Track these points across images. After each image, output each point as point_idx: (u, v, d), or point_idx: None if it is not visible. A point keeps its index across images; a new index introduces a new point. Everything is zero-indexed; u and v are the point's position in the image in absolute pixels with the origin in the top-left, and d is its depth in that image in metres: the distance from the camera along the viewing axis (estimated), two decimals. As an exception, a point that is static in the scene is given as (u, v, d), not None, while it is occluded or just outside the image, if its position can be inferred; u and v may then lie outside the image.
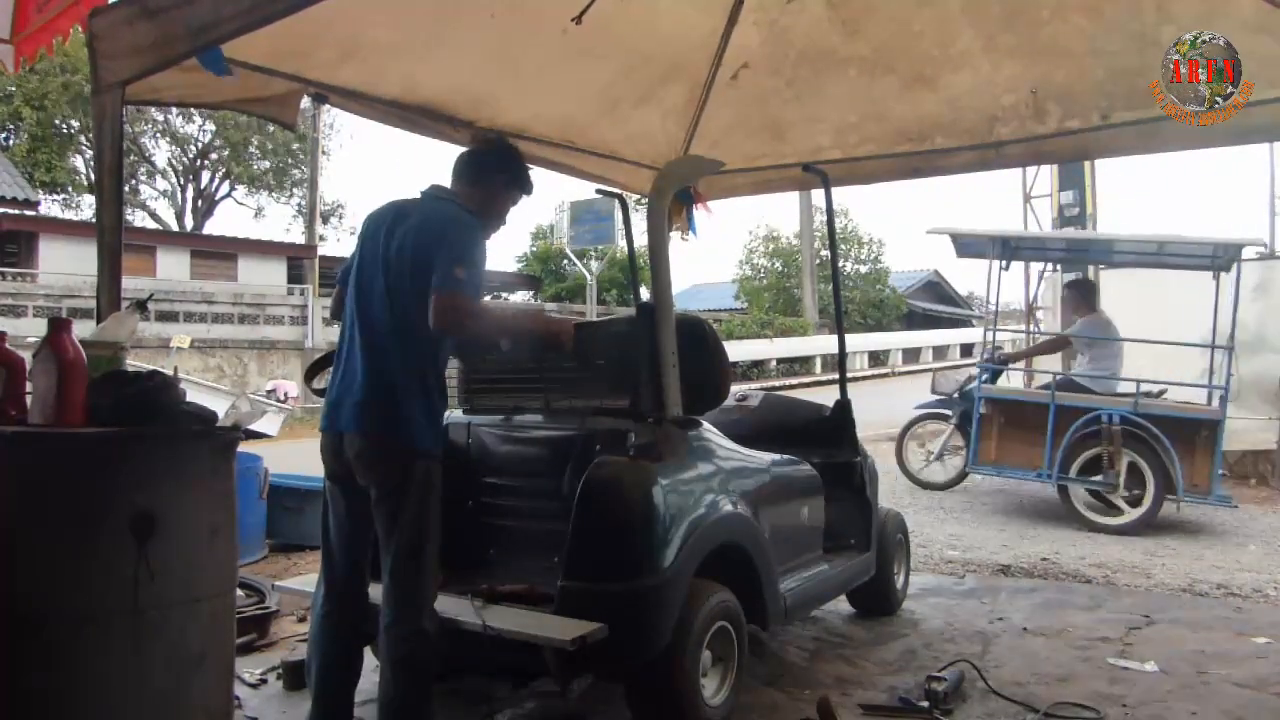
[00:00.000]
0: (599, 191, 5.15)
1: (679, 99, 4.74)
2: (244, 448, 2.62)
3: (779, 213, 44.21)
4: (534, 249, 31.59)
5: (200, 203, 30.12)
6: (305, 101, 3.66)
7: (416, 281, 2.52)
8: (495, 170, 2.87)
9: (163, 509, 2.15)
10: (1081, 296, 8.08)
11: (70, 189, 26.19)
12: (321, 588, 2.75)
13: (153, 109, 22.59)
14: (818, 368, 24.70)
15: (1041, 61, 3.99)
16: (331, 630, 2.70)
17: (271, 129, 25.72)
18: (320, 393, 3.46)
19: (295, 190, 30.02)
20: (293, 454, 8.25)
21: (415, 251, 2.56)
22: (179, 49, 2.73)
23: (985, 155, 4.38)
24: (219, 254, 22.87)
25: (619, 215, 6.64)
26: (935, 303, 36.99)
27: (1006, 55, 4.02)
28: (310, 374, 3.39)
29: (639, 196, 5.20)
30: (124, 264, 2.97)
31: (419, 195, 2.80)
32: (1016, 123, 4.20)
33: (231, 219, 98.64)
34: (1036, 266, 11.14)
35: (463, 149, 2.98)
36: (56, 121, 24.99)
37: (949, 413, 8.23)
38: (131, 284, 14.12)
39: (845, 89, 4.46)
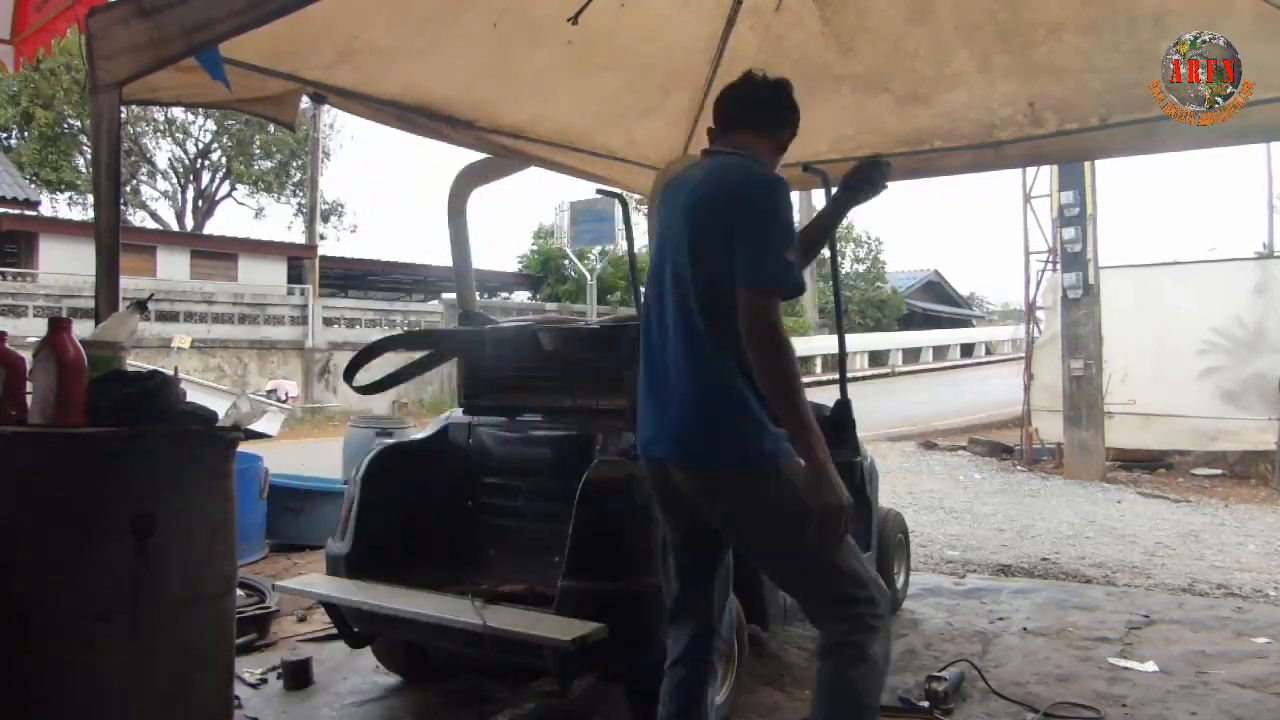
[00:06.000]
0: (599, 191, 5.15)
1: (680, 104, 4.75)
2: (244, 448, 2.62)
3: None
4: (535, 249, 31.64)
5: (200, 203, 30.10)
6: (305, 101, 3.66)
7: (707, 266, 2.08)
8: (790, 110, 2.32)
9: (163, 509, 2.14)
10: None
11: (78, 188, 26.17)
12: (675, 641, 2.30)
13: (154, 108, 22.58)
14: (818, 368, 24.70)
15: (1038, 80, 3.99)
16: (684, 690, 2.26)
17: (273, 129, 25.71)
18: (363, 390, 3.47)
19: (298, 190, 29.99)
20: (293, 454, 8.26)
21: (705, 224, 2.10)
22: (174, 48, 2.73)
23: (984, 155, 4.38)
24: (219, 254, 22.81)
25: (619, 215, 6.64)
26: (935, 303, 37.03)
27: (1002, 75, 4.03)
28: (350, 371, 3.40)
29: (639, 196, 5.20)
30: (124, 264, 2.97)
31: (707, 151, 2.30)
32: (1015, 128, 4.21)
33: (232, 219, 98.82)
34: (1036, 266, 11.17)
35: (744, 87, 2.32)
36: (67, 119, 24.92)
37: None
38: (132, 284, 14.15)
39: (840, 105, 4.48)
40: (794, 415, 2.02)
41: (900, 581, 4.42)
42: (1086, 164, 9.58)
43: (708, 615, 2.30)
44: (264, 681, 3.40)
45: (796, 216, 2.29)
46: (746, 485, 2.09)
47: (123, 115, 2.99)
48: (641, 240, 6.88)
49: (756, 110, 2.30)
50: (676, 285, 2.15)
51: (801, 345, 25.45)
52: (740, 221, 2.05)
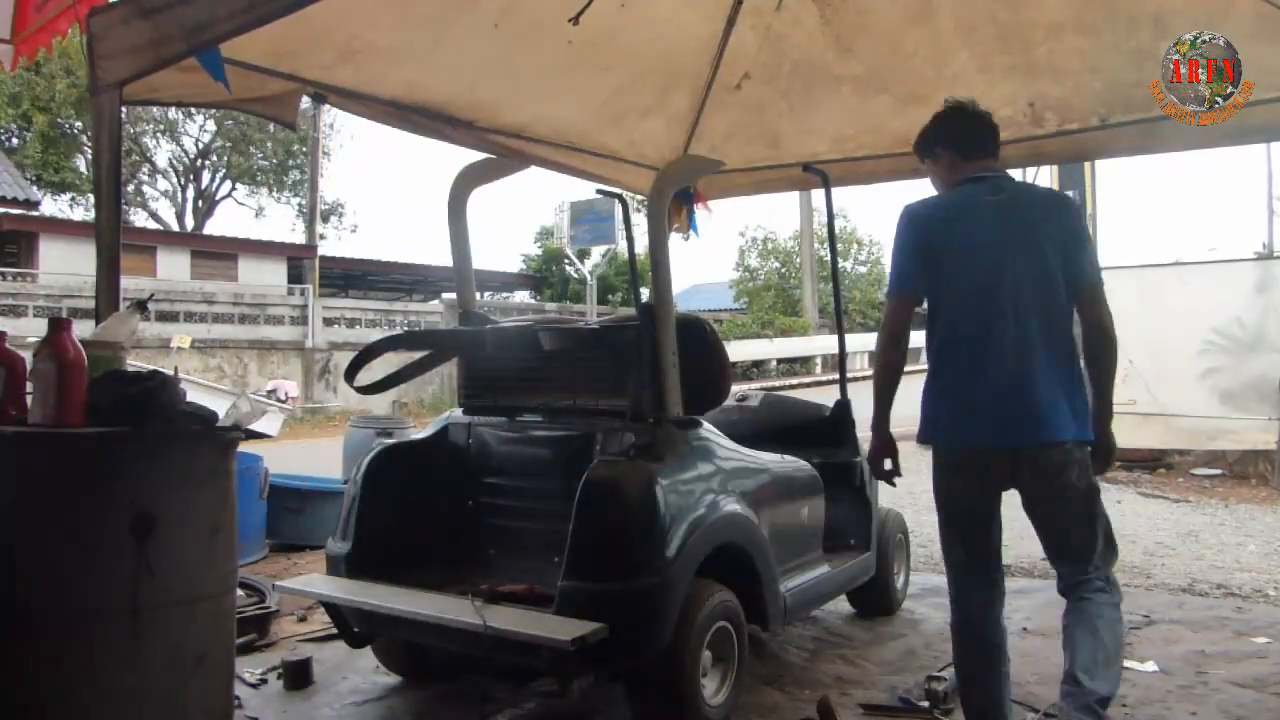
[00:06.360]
0: (599, 191, 5.15)
1: (680, 104, 4.76)
2: (244, 448, 2.62)
3: (773, 214, 44.36)
4: (540, 249, 31.68)
5: (201, 203, 30.11)
6: (305, 101, 3.66)
7: (1060, 271, 2.57)
8: None
9: (163, 509, 2.15)
10: None
11: (79, 189, 26.18)
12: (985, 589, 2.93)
13: (154, 108, 22.59)
14: (818, 368, 24.71)
15: (1038, 80, 3.99)
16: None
17: (272, 128, 25.72)
18: (364, 391, 3.47)
19: (298, 190, 30.00)
20: (293, 454, 8.26)
21: (1055, 237, 2.58)
22: (175, 49, 2.73)
23: (984, 156, 4.38)
24: (219, 254, 22.82)
25: (619, 215, 6.65)
26: (936, 302, 36.93)
27: (1002, 75, 4.02)
28: (351, 372, 3.39)
29: (639, 196, 5.21)
30: (124, 264, 2.98)
31: (985, 177, 2.72)
32: (1015, 128, 4.21)
33: (232, 219, 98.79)
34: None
35: (960, 115, 2.90)
36: (60, 120, 24.94)
37: None
38: (132, 284, 14.15)
39: (839, 105, 4.48)
40: (1112, 389, 2.76)
41: (900, 581, 4.42)
42: (1086, 164, 9.56)
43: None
44: (264, 681, 3.40)
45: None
46: (1083, 451, 2.63)
47: (123, 115, 2.99)
48: (641, 241, 6.88)
49: (998, 140, 2.85)
50: (1028, 287, 2.55)
51: (801, 345, 25.48)
52: (1079, 234, 2.66)
